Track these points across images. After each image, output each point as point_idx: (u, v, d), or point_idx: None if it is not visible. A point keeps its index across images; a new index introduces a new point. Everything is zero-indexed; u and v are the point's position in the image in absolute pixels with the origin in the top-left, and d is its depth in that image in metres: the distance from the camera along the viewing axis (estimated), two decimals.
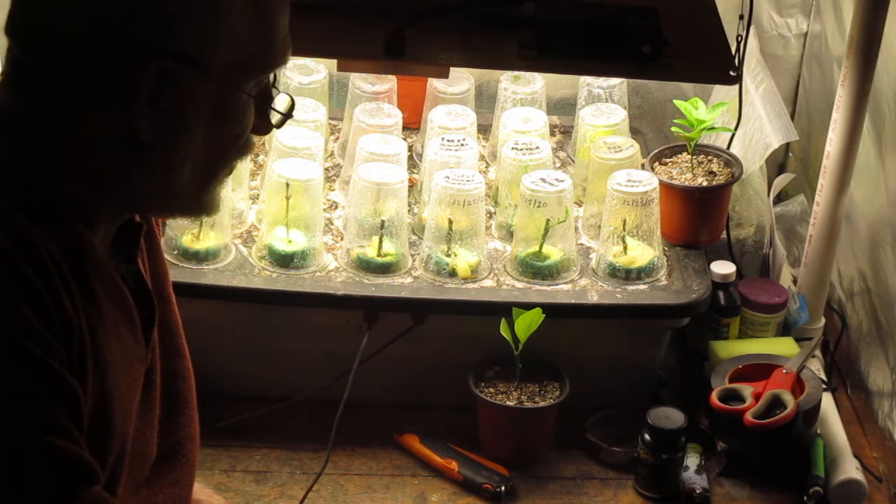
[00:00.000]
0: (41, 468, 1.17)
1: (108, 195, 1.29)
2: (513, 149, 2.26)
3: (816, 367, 2.29)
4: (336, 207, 2.31)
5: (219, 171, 1.34)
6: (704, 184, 2.27)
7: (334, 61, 2.04)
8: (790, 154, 2.72)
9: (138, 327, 1.36)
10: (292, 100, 1.39)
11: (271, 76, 1.35)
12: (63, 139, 1.25)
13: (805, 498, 2.09)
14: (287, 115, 1.38)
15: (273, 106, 1.36)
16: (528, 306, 2.07)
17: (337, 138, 2.45)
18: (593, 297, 2.15)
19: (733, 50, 2.00)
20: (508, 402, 2.13)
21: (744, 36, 1.99)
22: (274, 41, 1.30)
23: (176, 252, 2.14)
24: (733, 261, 2.34)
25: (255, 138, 1.37)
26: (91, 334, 1.25)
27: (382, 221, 2.14)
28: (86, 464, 1.20)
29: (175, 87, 1.24)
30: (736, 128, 2.30)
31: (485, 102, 2.51)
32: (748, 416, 2.05)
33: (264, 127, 1.36)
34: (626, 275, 2.18)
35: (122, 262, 1.36)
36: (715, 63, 1.99)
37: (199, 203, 1.34)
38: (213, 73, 1.25)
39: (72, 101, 1.24)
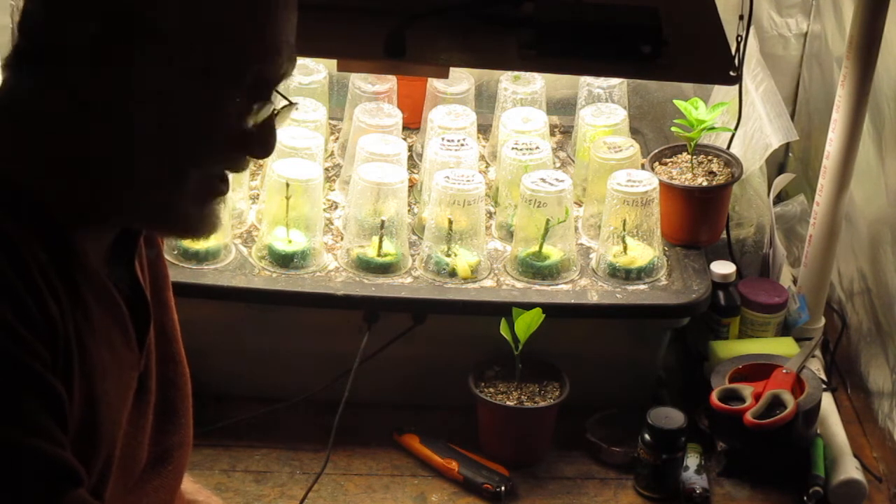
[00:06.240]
0: (22, 470, 1.16)
1: (98, 197, 1.26)
2: (513, 149, 2.26)
3: (816, 367, 2.29)
4: (336, 207, 2.31)
5: (193, 178, 1.26)
6: (704, 184, 2.27)
7: (334, 61, 2.04)
8: (790, 154, 2.72)
9: (131, 333, 1.35)
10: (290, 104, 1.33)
11: (268, 91, 1.28)
12: (50, 127, 1.24)
13: (805, 498, 2.09)
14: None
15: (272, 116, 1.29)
16: (528, 306, 2.07)
17: (337, 138, 2.45)
18: (593, 297, 2.15)
19: (733, 50, 2.00)
20: (508, 402, 2.13)
21: (744, 36, 1.99)
22: (264, 41, 1.24)
23: (176, 252, 2.14)
24: (733, 261, 2.34)
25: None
26: (78, 340, 1.24)
27: (382, 221, 2.15)
28: (69, 466, 1.19)
29: (124, 47, 1.20)
30: (736, 128, 2.30)
31: (485, 102, 2.51)
32: (748, 416, 2.05)
33: (261, 148, 1.29)
34: (626, 275, 2.18)
35: (118, 267, 1.35)
36: (715, 63, 1.99)
37: (185, 218, 1.28)
38: (176, 54, 1.20)
39: (42, 70, 1.23)
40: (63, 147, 1.24)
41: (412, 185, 2.30)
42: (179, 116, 1.23)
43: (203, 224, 1.30)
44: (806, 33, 2.66)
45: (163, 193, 1.26)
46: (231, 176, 1.31)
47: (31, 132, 1.24)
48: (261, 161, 2.38)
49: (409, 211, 2.22)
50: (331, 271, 2.16)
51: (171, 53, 1.21)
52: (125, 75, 1.21)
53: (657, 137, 2.48)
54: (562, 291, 2.16)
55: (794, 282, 2.43)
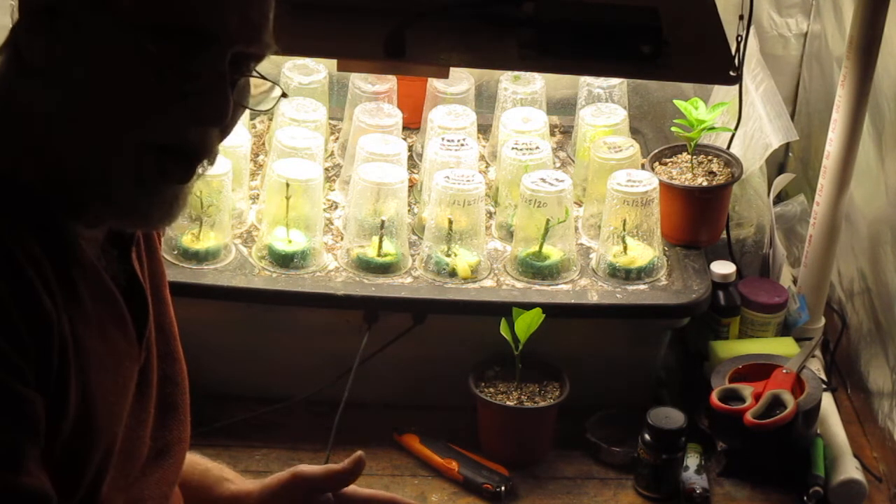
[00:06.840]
0: None
1: (71, 181, 1.24)
2: (513, 149, 2.26)
3: (816, 367, 2.29)
4: (336, 207, 2.31)
5: (132, 144, 1.22)
6: (704, 184, 2.27)
7: (334, 61, 2.04)
8: (790, 154, 2.72)
9: (129, 326, 1.35)
10: (282, 94, 1.31)
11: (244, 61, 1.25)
12: (19, 110, 1.24)
13: (805, 498, 2.09)
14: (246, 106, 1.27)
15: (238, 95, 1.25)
16: (528, 306, 2.07)
17: (337, 138, 2.45)
18: (593, 297, 2.15)
19: (733, 50, 2.00)
20: (508, 402, 2.13)
21: (744, 36, 1.99)
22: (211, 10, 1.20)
23: (176, 252, 2.14)
24: (733, 261, 2.34)
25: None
26: (73, 333, 1.23)
27: (382, 221, 2.15)
28: (34, 494, 1.17)
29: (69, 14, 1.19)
30: (736, 128, 2.30)
31: (485, 102, 2.51)
32: (748, 416, 2.05)
33: (211, 113, 1.23)
34: (626, 275, 2.18)
35: (115, 260, 1.35)
36: (715, 63, 1.99)
37: (129, 202, 1.25)
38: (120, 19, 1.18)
39: (6, 54, 1.23)
40: (32, 128, 1.23)
41: (412, 185, 2.30)
42: (115, 79, 1.20)
43: (153, 210, 1.26)
44: (806, 33, 2.66)
45: (109, 167, 1.23)
46: (190, 158, 1.26)
47: (11, 121, 1.24)
48: (261, 161, 2.38)
49: (409, 211, 2.22)
50: (331, 271, 2.16)
51: (116, 17, 1.19)
52: (71, 41, 1.20)
53: (657, 137, 2.48)
54: (562, 291, 2.16)
55: (794, 282, 2.43)
